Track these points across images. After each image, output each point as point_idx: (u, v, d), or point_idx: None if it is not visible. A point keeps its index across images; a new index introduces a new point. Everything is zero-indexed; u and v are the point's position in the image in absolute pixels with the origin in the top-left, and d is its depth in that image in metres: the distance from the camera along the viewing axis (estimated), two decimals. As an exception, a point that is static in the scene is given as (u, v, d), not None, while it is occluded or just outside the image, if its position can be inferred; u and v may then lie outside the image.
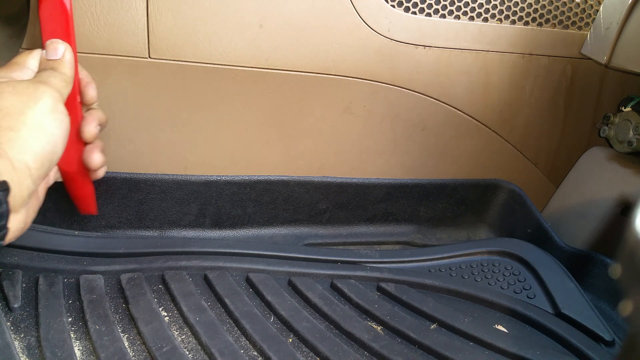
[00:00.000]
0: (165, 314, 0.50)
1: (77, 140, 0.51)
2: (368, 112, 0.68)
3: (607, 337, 0.53)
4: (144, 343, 0.46)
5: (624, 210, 0.67)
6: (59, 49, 0.46)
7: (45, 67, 0.46)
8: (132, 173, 0.62)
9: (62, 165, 0.51)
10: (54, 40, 0.47)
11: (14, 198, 0.37)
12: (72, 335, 0.45)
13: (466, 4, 0.66)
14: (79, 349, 0.44)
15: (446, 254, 0.65)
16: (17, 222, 0.40)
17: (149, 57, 0.58)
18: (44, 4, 0.47)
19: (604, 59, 0.65)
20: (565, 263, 0.64)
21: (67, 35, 0.48)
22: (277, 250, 0.60)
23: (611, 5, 0.66)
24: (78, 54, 0.49)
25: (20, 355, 0.43)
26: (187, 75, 0.60)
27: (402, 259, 0.64)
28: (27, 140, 0.39)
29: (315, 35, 0.62)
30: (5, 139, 0.38)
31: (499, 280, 0.62)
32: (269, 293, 0.54)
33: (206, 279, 0.55)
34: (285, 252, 0.60)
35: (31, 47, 0.53)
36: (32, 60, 0.46)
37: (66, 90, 0.45)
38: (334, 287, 0.57)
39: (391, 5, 0.63)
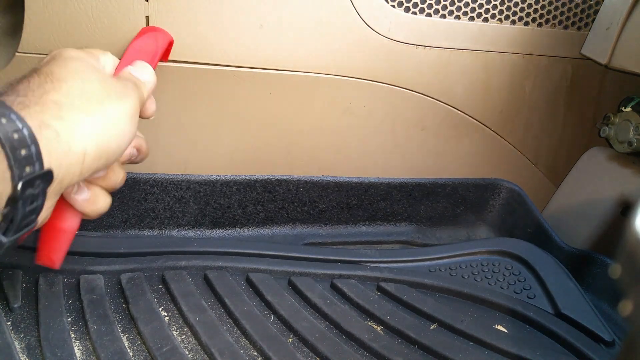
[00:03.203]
0: (165, 314, 0.50)
1: None
2: (368, 112, 0.68)
3: (607, 337, 0.53)
4: (144, 343, 0.46)
5: (624, 210, 0.67)
6: (146, 72, 0.46)
7: (127, 77, 0.44)
8: (132, 173, 0.62)
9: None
10: (145, 62, 0.46)
11: (59, 184, 0.36)
12: (72, 335, 0.45)
13: (466, 4, 0.66)
14: (79, 349, 0.44)
15: (446, 253, 0.65)
16: (46, 209, 0.37)
17: (149, 57, 0.58)
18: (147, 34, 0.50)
19: (604, 59, 0.65)
20: (565, 263, 0.64)
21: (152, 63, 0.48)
22: (277, 250, 0.60)
23: (611, 5, 0.66)
24: None
25: (20, 355, 0.43)
26: (187, 76, 0.60)
27: (402, 259, 0.64)
28: (97, 128, 0.38)
29: (315, 35, 0.62)
30: (75, 120, 0.36)
31: (499, 280, 0.62)
32: (269, 293, 0.54)
33: (206, 278, 0.55)
34: (285, 252, 0.60)
35: (29, 46, 0.53)
36: (106, 58, 0.45)
37: (141, 105, 0.44)
38: (334, 287, 0.57)
39: (391, 5, 0.63)
